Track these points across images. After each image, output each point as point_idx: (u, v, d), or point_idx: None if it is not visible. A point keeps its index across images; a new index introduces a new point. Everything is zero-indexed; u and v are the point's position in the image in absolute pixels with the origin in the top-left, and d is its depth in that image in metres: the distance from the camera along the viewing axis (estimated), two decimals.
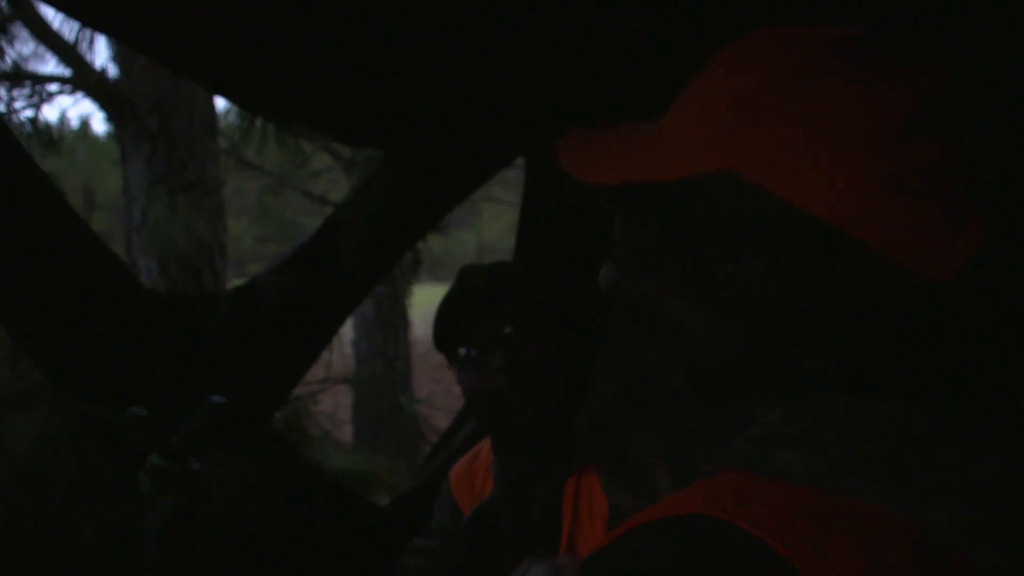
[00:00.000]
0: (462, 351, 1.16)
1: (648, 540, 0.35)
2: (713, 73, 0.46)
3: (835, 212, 0.41)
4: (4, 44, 1.71)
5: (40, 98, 2.50)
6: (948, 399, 0.42)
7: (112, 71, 3.02)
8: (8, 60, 1.74)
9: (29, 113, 2.39)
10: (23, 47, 2.67)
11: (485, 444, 1.34)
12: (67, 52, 2.76)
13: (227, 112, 4.44)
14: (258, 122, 2.01)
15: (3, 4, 1.88)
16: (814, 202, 0.41)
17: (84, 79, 2.84)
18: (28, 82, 2.40)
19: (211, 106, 3.20)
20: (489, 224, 11.30)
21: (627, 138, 0.49)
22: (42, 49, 2.74)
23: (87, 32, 2.71)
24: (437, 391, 7.87)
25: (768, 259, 0.42)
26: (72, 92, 2.86)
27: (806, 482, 0.37)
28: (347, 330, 5.39)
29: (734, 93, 0.44)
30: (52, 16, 2.70)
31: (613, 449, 0.48)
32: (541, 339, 1.14)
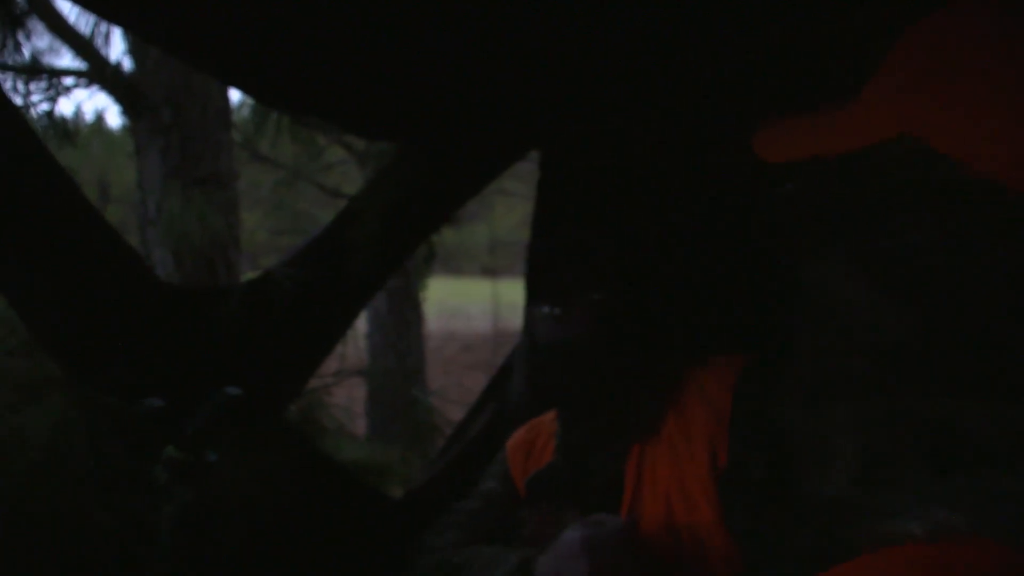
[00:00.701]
0: (547, 308, 1.17)
1: None
2: (897, 53, 0.44)
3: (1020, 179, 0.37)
4: (21, 38, 1.72)
5: (56, 92, 2.52)
6: None
7: (127, 64, 3.02)
8: (25, 54, 1.75)
9: (45, 107, 2.41)
10: (39, 41, 2.69)
11: (544, 419, 1.36)
12: (83, 46, 2.77)
13: (241, 105, 4.46)
14: (272, 115, 2.01)
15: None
16: (998, 168, 0.38)
17: (99, 73, 2.85)
18: (45, 76, 2.41)
19: (225, 98, 3.21)
20: (502, 217, 11.29)
21: (822, 119, 0.47)
22: (58, 43, 2.76)
23: (103, 26, 2.72)
24: (450, 384, 7.89)
25: (937, 230, 0.38)
26: (88, 86, 2.87)
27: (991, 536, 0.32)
28: (361, 323, 5.40)
29: (918, 65, 0.42)
30: (68, 10, 2.72)
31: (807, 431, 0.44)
32: (625, 310, 1.16)
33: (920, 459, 0.36)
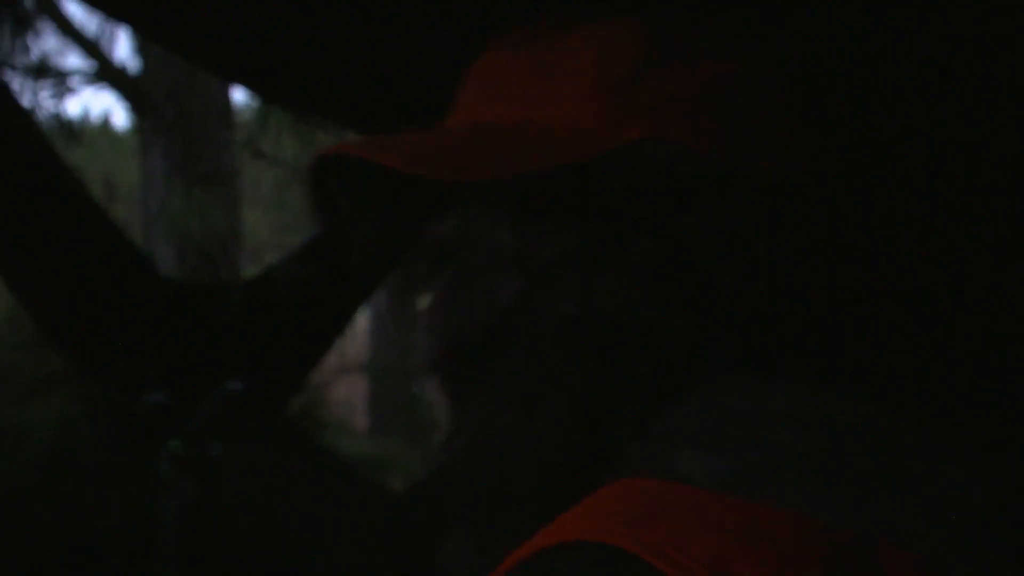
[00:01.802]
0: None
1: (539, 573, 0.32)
2: (585, 52, 0.43)
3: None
4: (30, 40, 1.74)
5: (64, 92, 2.53)
6: (860, 379, 0.40)
7: (133, 65, 3.04)
8: (33, 55, 1.76)
9: (53, 107, 2.42)
10: (47, 42, 2.70)
11: None
12: (90, 46, 2.78)
13: (244, 105, 4.46)
14: (274, 113, 2.02)
15: (29, 0, 1.90)
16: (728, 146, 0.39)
17: (106, 72, 2.86)
18: (52, 77, 2.42)
19: (227, 97, 3.21)
20: None
21: (485, 133, 0.45)
22: (65, 44, 2.77)
23: (109, 26, 2.73)
24: None
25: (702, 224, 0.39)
26: (93, 84, 2.88)
27: (715, 486, 0.33)
28: (362, 319, 5.40)
29: (624, 64, 0.41)
30: (75, 11, 2.74)
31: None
32: None
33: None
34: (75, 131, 2.35)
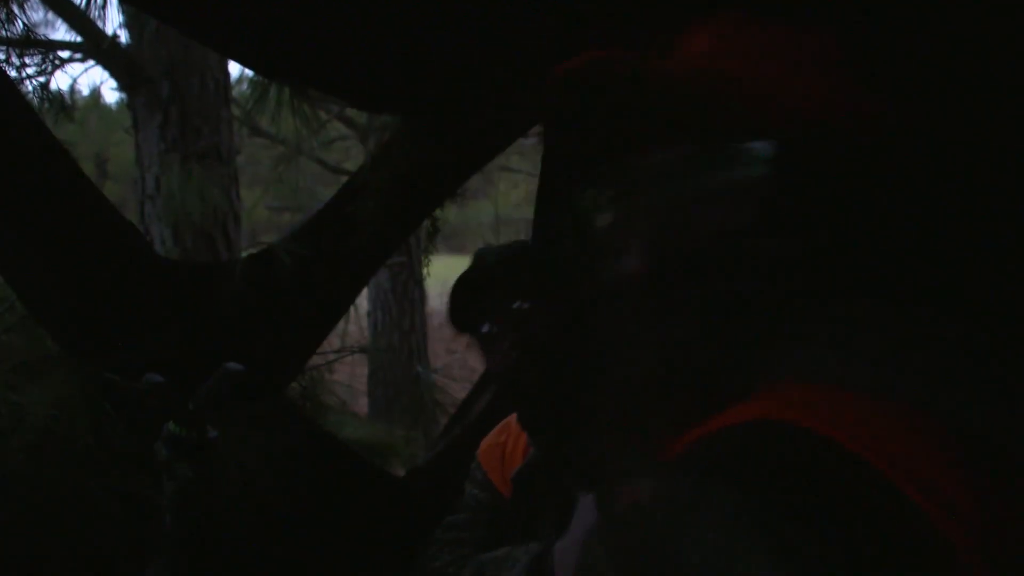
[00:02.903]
0: (483, 328, 1.18)
1: (730, 445, 0.35)
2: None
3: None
4: (15, 9, 1.69)
5: (52, 65, 2.48)
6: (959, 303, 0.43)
7: (124, 37, 2.98)
8: (19, 25, 1.71)
9: (40, 80, 2.37)
10: (33, 14, 2.64)
11: (512, 419, 1.35)
12: (78, 18, 2.72)
13: (240, 80, 4.41)
14: (272, 90, 1.98)
15: None
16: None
17: (95, 46, 2.80)
18: (38, 49, 2.36)
19: (224, 72, 3.17)
20: (505, 195, 11.24)
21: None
22: (52, 16, 2.71)
23: None
24: (453, 362, 7.88)
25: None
26: (83, 59, 2.83)
27: (859, 388, 0.37)
28: (363, 301, 5.38)
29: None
30: None
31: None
32: (553, 313, 1.14)
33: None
34: (65, 105, 2.30)
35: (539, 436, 1.20)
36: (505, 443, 1.33)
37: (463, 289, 1.21)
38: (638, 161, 0.49)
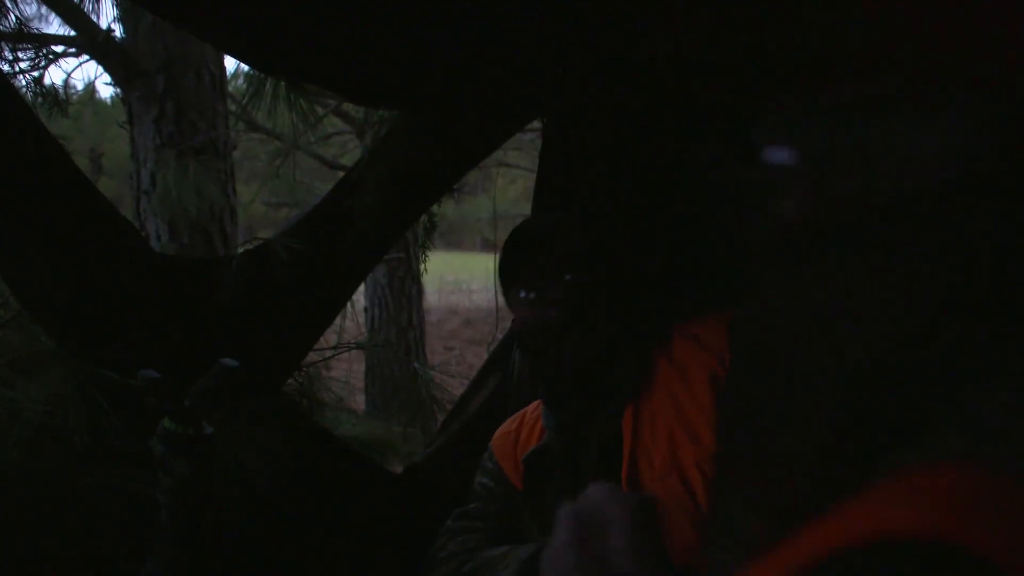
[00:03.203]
0: (521, 293, 1.20)
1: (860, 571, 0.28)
2: None
3: None
4: (8, 2, 1.67)
5: (45, 60, 2.46)
6: None
7: (118, 32, 2.96)
8: (12, 19, 1.70)
9: (34, 75, 2.35)
10: (26, 8, 2.62)
11: (527, 410, 1.38)
12: (72, 12, 2.70)
13: (236, 74, 4.39)
14: (268, 84, 1.96)
15: None
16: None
17: (90, 40, 2.79)
18: (32, 43, 2.34)
19: (220, 66, 3.15)
20: (503, 190, 11.22)
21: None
22: (46, 10, 2.69)
23: None
24: (451, 358, 7.88)
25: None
26: (77, 54, 2.81)
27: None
28: (360, 297, 5.37)
29: None
30: None
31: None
32: (597, 288, 1.18)
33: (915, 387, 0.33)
34: (59, 100, 2.28)
35: (561, 409, 1.22)
36: (519, 430, 1.35)
37: (514, 253, 1.23)
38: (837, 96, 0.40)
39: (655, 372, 1.18)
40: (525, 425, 1.34)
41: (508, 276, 1.23)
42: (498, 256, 1.26)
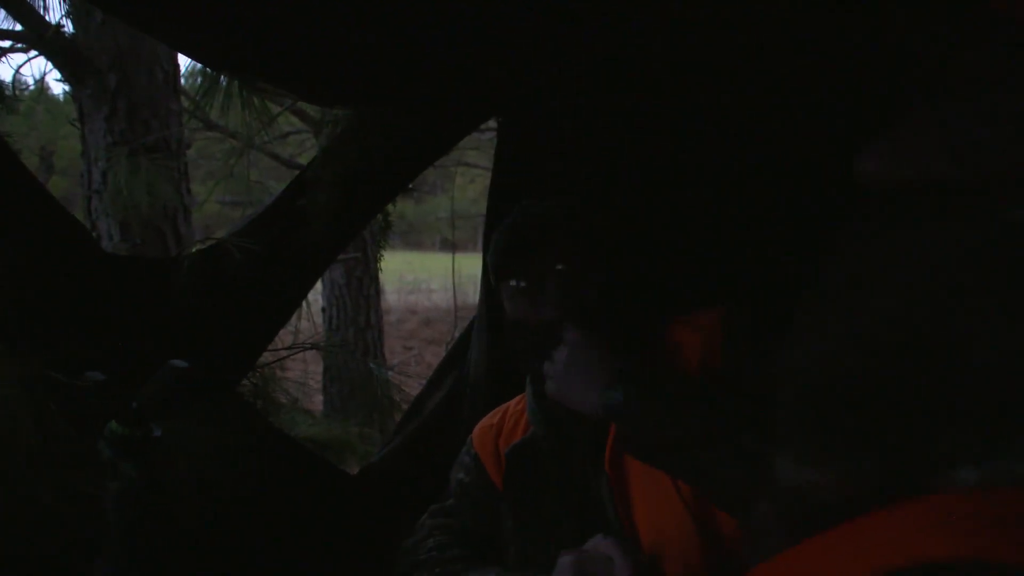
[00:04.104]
0: (513, 283, 1.18)
1: None
2: None
3: None
4: None
5: None
6: None
7: (68, 27, 2.90)
8: None
9: None
10: None
11: (510, 404, 1.35)
12: (18, 6, 2.64)
13: (192, 72, 4.32)
14: (222, 81, 1.94)
15: None
16: None
17: (38, 35, 2.73)
18: None
19: (174, 63, 3.11)
20: (462, 189, 11.22)
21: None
22: None
23: None
24: (409, 358, 7.86)
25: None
26: (25, 50, 2.75)
27: None
28: (317, 297, 5.33)
29: None
30: None
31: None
32: (592, 277, 1.15)
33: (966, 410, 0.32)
34: (6, 97, 2.23)
35: (552, 404, 1.19)
36: (501, 423, 1.32)
37: (506, 241, 1.20)
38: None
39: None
40: (508, 418, 1.32)
41: (500, 266, 1.20)
42: (491, 246, 1.23)
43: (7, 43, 2.64)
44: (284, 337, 2.23)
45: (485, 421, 1.36)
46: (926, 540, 0.29)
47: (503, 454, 1.27)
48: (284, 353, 2.16)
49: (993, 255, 0.33)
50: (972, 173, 0.36)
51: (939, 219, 0.36)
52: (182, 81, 3.39)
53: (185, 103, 3.36)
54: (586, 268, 1.16)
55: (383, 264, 5.18)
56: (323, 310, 5.43)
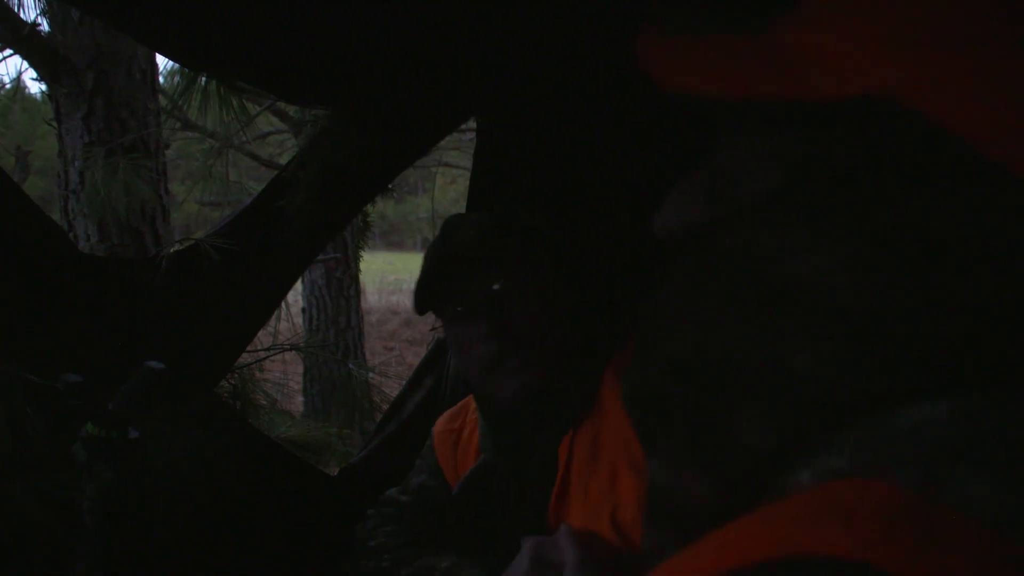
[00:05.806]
0: (448, 309, 1.09)
1: None
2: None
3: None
4: None
5: None
6: None
7: (44, 25, 2.87)
8: None
9: None
10: None
11: (470, 403, 1.29)
12: None
13: (171, 71, 4.29)
14: (201, 80, 1.93)
15: None
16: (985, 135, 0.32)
17: (13, 33, 2.70)
18: None
19: (152, 62, 3.08)
20: (443, 190, 11.19)
21: (738, 49, 0.39)
22: None
23: None
24: (390, 358, 7.83)
25: (929, 200, 0.32)
26: (1, 49, 2.72)
27: (996, 523, 0.26)
28: (297, 298, 5.31)
29: (899, 16, 0.35)
30: None
31: (683, 430, 0.38)
32: (533, 296, 1.06)
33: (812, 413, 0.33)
34: None
35: (503, 432, 1.13)
36: (460, 429, 1.26)
37: (435, 266, 1.11)
38: None
39: (603, 396, 1.08)
40: (468, 423, 1.26)
41: (431, 290, 1.11)
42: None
43: None
44: (264, 338, 2.22)
45: (447, 423, 1.30)
46: (793, 532, 0.29)
47: (459, 469, 1.23)
48: (264, 354, 2.15)
49: (744, 283, 0.36)
50: (723, 209, 0.38)
51: (698, 255, 0.39)
52: (160, 80, 3.36)
53: (163, 103, 3.34)
54: (525, 288, 1.06)
55: (364, 265, 5.17)
56: (303, 311, 5.40)
